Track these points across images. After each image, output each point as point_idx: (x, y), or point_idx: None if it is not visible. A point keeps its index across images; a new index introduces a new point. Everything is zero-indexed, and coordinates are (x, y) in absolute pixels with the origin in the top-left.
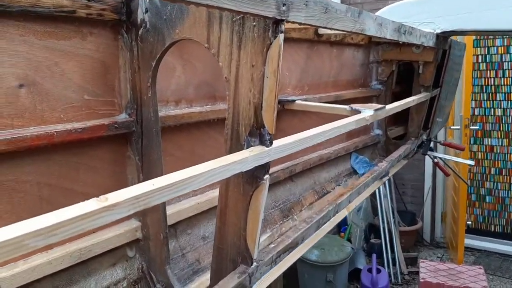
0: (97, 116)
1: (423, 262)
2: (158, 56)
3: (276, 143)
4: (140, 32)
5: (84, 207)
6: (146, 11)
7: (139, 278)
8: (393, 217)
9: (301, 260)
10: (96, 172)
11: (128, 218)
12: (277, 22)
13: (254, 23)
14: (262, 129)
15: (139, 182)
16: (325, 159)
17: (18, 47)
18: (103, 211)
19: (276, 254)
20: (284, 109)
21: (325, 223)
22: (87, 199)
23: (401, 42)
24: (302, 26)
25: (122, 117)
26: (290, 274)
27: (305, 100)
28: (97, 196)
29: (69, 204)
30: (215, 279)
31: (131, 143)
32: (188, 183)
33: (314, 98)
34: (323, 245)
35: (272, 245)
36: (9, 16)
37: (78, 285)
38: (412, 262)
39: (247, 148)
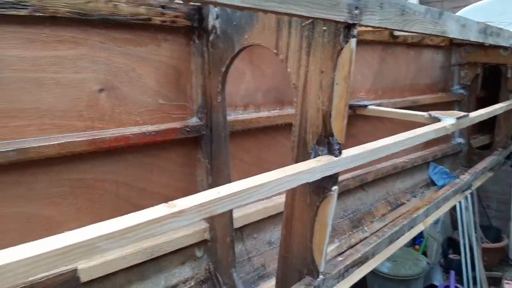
0: (170, 120)
1: (508, 283)
2: (228, 62)
3: (346, 153)
4: (211, 38)
5: (153, 212)
6: (217, 17)
7: (206, 279)
8: (475, 232)
9: (372, 272)
10: (168, 173)
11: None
12: (349, 26)
13: (325, 28)
14: (330, 137)
15: (207, 184)
16: (400, 168)
17: (98, 53)
18: (171, 217)
19: (344, 268)
20: (356, 114)
21: (398, 238)
22: (160, 199)
23: (486, 44)
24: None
25: (193, 121)
26: (359, 284)
27: (379, 105)
28: (169, 196)
29: (143, 203)
30: None
31: (201, 146)
32: (253, 192)
33: (388, 103)
34: (395, 257)
35: (340, 258)
36: (91, 24)
37: (149, 280)
38: (495, 282)
39: (314, 157)
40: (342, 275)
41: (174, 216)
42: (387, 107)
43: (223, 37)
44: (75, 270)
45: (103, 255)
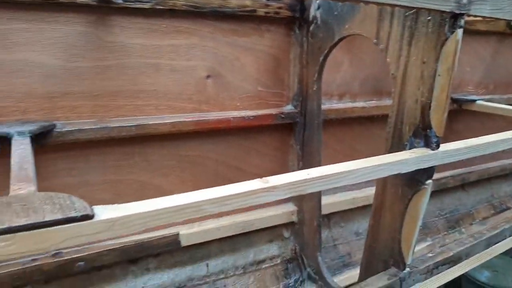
0: (267, 106)
1: None
2: (326, 51)
3: (444, 147)
4: (311, 28)
5: (250, 185)
6: (318, 8)
7: (292, 259)
8: None
9: (468, 279)
10: (263, 156)
11: (286, 201)
12: (456, 16)
13: (429, 18)
14: (428, 130)
15: (298, 169)
16: (509, 170)
17: (207, 43)
18: (264, 191)
19: (433, 264)
20: (462, 109)
21: (498, 242)
22: (253, 178)
23: None
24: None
25: (288, 108)
26: None
27: (489, 100)
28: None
29: (239, 181)
30: (364, 276)
31: (294, 133)
32: (342, 177)
33: (501, 99)
34: (496, 267)
35: (430, 254)
36: (202, 16)
37: (239, 253)
38: None
39: (409, 149)
40: (430, 271)
41: (267, 191)
42: (499, 103)
43: (323, 27)
44: (177, 235)
45: (201, 224)
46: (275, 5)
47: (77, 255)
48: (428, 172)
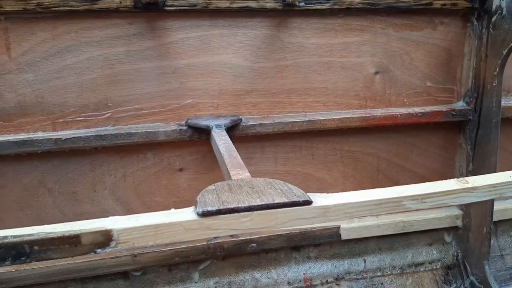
0: (435, 103)
1: None
2: (511, 44)
3: None
4: (493, 19)
5: (447, 185)
6: None
7: (453, 265)
8: None
9: None
10: (426, 154)
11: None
12: None
13: None
14: None
15: (467, 171)
16: None
17: (378, 38)
18: (463, 192)
19: None
20: None
21: None
22: (415, 177)
23: None
24: None
25: (460, 105)
26: None
27: None
28: (424, 176)
29: (400, 179)
30: None
31: (464, 132)
32: None
33: None
34: None
35: None
36: (376, 13)
37: (397, 252)
38: None
39: None
40: None
41: (466, 192)
42: None
43: (509, 18)
44: (338, 227)
45: (360, 220)
46: None
47: (251, 237)
48: None
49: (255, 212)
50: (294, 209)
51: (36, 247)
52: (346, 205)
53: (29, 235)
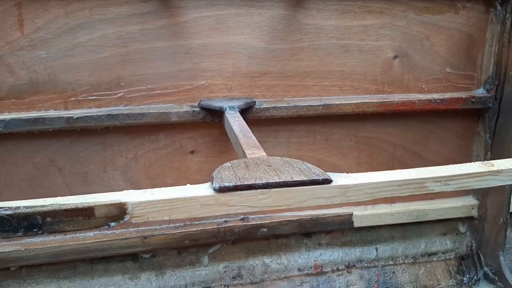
0: (455, 89)
1: None
2: None
3: None
4: None
5: (472, 167)
6: None
7: (467, 255)
8: None
9: None
10: (443, 142)
11: (466, 193)
12: None
13: None
14: None
15: (485, 160)
16: None
17: (398, 22)
18: (489, 175)
19: None
20: None
21: None
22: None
23: None
24: None
25: (479, 92)
26: None
27: None
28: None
29: (416, 167)
30: None
31: (483, 120)
32: None
33: None
34: None
35: None
36: None
37: (410, 241)
38: None
39: None
40: None
41: (492, 174)
42: None
43: None
44: (351, 215)
45: (374, 207)
46: None
47: (261, 222)
48: None
49: (273, 189)
50: (313, 187)
51: (48, 219)
52: (367, 185)
53: (42, 206)
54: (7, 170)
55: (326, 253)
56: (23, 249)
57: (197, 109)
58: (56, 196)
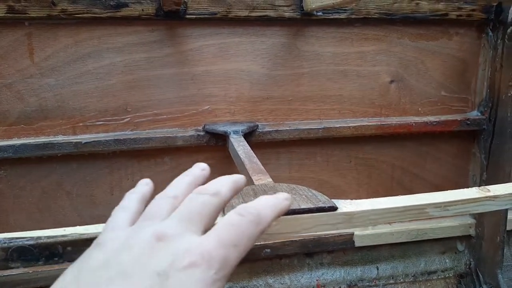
0: (450, 112)
1: None
2: None
3: None
4: (509, 30)
5: (469, 193)
6: None
7: (465, 274)
8: None
9: None
10: (440, 163)
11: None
12: None
13: None
14: None
15: (481, 180)
16: None
17: (394, 48)
18: (486, 200)
19: None
20: None
21: None
22: (429, 186)
23: None
24: None
25: (474, 114)
26: None
27: None
28: (439, 185)
29: (414, 187)
30: None
31: (478, 141)
32: None
33: None
34: None
35: None
36: (392, 22)
37: (410, 260)
38: None
39: None
40: None
41: (489, 200)
42: None
43: None
44: (352, 234)
45: (374, 228)
46: (468, 8)
47: (265, 243)
48: None
49: (282, 217)
50: (319, 214)
51: (69, 248)
52: (371, 211)
53: (63, 236)
54: (15, 194)
55: (328, 273)
56: (31, 272)
57: (201, 133)
58: (64, 219)
